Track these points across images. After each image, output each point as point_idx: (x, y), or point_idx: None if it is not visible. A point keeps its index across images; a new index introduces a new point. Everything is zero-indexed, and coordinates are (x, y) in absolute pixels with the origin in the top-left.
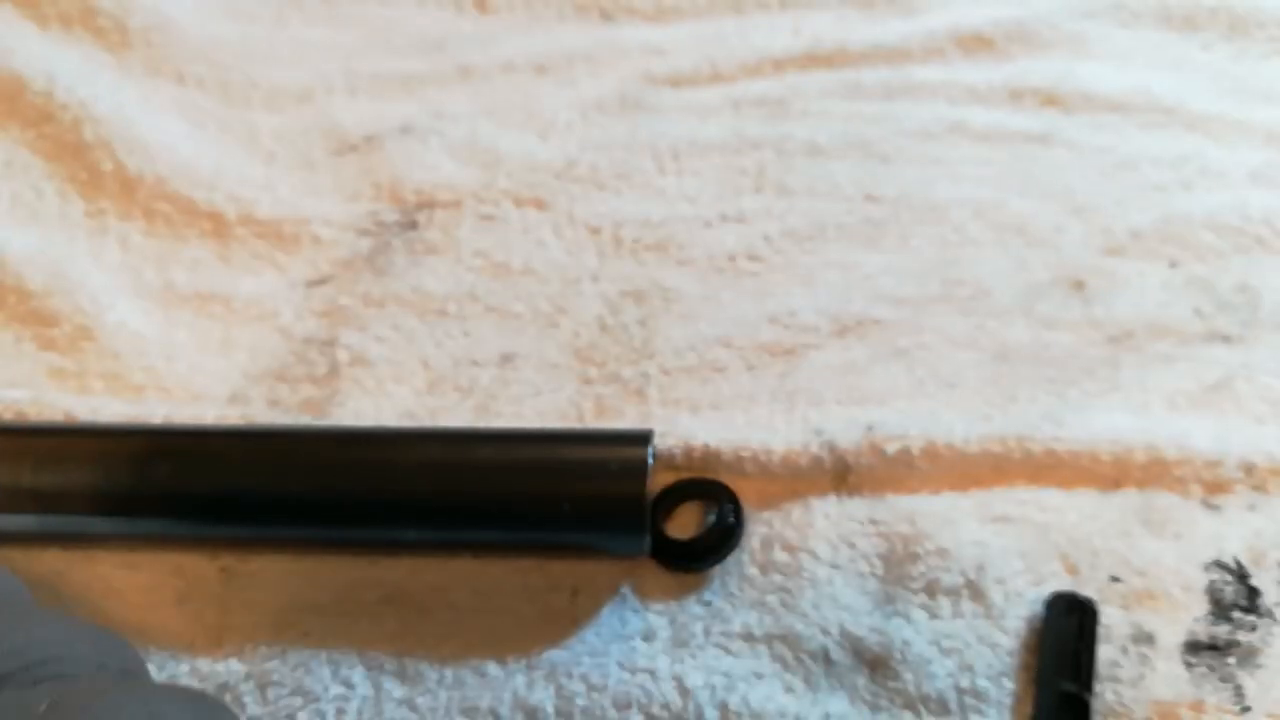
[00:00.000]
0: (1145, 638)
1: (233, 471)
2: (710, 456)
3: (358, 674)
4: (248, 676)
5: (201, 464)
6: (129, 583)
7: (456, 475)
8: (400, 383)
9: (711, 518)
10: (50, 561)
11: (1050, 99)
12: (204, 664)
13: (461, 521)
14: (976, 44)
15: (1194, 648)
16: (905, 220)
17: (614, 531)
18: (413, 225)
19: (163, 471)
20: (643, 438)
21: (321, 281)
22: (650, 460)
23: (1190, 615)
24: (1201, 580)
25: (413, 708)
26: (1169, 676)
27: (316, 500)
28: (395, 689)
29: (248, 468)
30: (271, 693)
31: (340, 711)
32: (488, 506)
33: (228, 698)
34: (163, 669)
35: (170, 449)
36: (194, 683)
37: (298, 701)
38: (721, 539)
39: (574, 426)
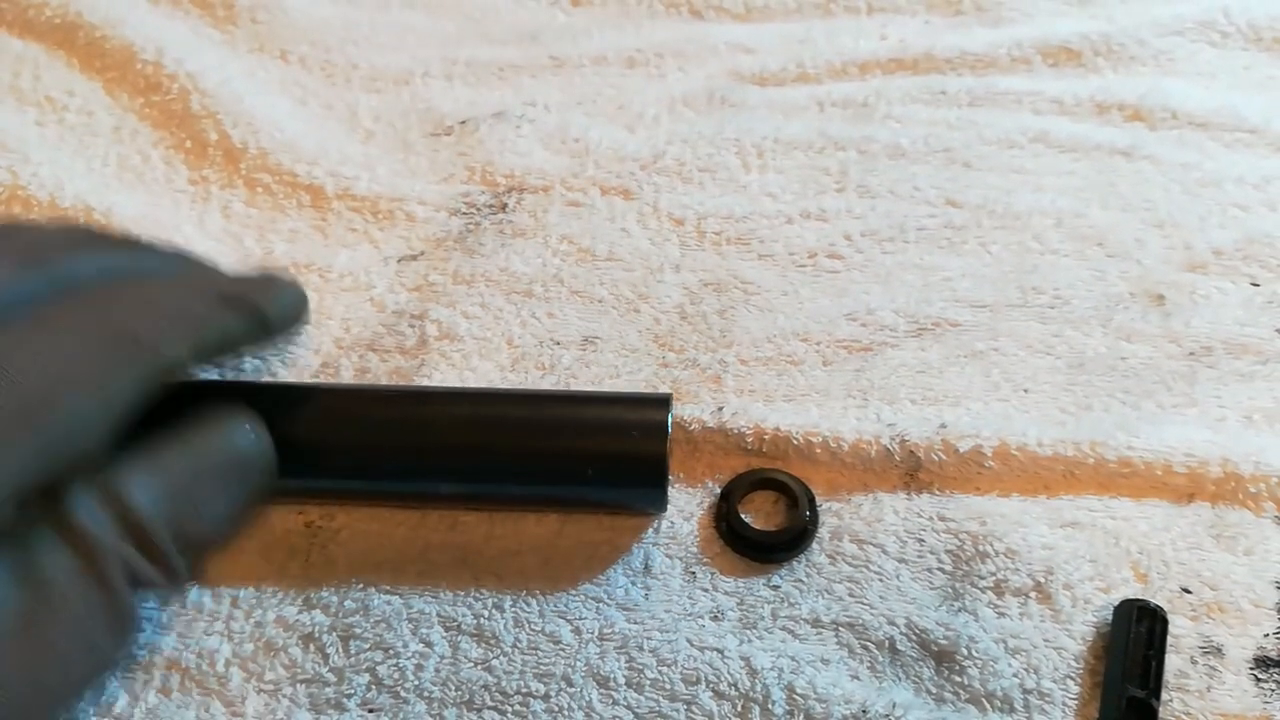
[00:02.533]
0: (1214, 650)
1: (285, 425)
2: (780, 440)
3: (436, 633)
4: (331, 628)
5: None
6: None
7: (490, 432)
8: (485, 358)
9: (788, 516)
10: None
11: (1135, 114)
12: (289, 612)
13: (493, 477)
14: (1063, 56)
15: (1263, 664)
16: (986, 226)
17: (637, 487)
18: (502, 208)
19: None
20: (662, 400)
21: (414, 258)
22: (669, 422)
23: (1260, 631)
24: (1273, 597)
25: (489, 669)
26: (1237, 690)
27: (359, 454)
28: (472, 649)
29: (302, 422)
30: (353, 645)
31: (419, 668)
32: (520, 463)
33: (311, 647)
34: (250, 615)
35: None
36: (279, 631)
37: (378, 656)
38: (795, 540)
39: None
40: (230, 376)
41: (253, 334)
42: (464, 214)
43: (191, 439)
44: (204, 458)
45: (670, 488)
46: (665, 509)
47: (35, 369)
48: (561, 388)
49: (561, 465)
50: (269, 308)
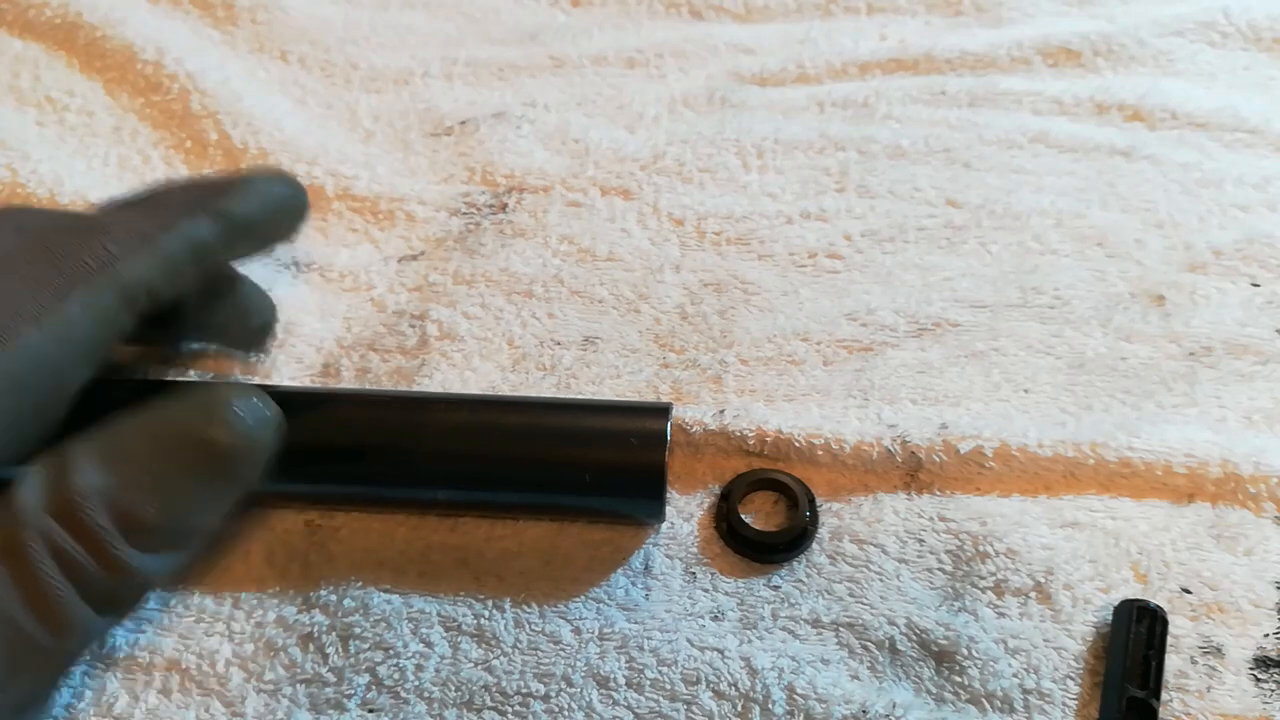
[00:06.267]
0: (1214, 650)
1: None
2: (782, 443)
3: (436, 633)
4: (331, 629)
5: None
6: (220, 534)
7: (488, 440)
8: (486, 358)
9: (788, 517)
10: None
11: (1135, 114)
12: (289, 613)
13: (490, 485)
14: (1063, 56)
15: (1263, 664)
16: (986, 226)
17: (634, 498)
18: (503, 208)
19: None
20: (662, 410)
21: (414, 257)
22: (669, 432)
23: (1260, 631)
24: (1273, 597)
25: (489, 669)
26: (1237, 690)
27: (356, 459)
28: (472, 650)
29: (299, 427)
30: (353, 645)
31: (419, 668)
32: (518, 472)
33: (310, 647)
34: (251, 615)
35: None
36: (279, 632)
37: (378, 656)
38: (796, 540)
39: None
40: (232, 377)
41: (227, 237)
42: (464, 214)
43: (162, 418)
44: (170, 440)
45: (671, 489)
46: (663, 519)
47: None
48: (563, 388)
49: (559, 474)
50: (236, 206)
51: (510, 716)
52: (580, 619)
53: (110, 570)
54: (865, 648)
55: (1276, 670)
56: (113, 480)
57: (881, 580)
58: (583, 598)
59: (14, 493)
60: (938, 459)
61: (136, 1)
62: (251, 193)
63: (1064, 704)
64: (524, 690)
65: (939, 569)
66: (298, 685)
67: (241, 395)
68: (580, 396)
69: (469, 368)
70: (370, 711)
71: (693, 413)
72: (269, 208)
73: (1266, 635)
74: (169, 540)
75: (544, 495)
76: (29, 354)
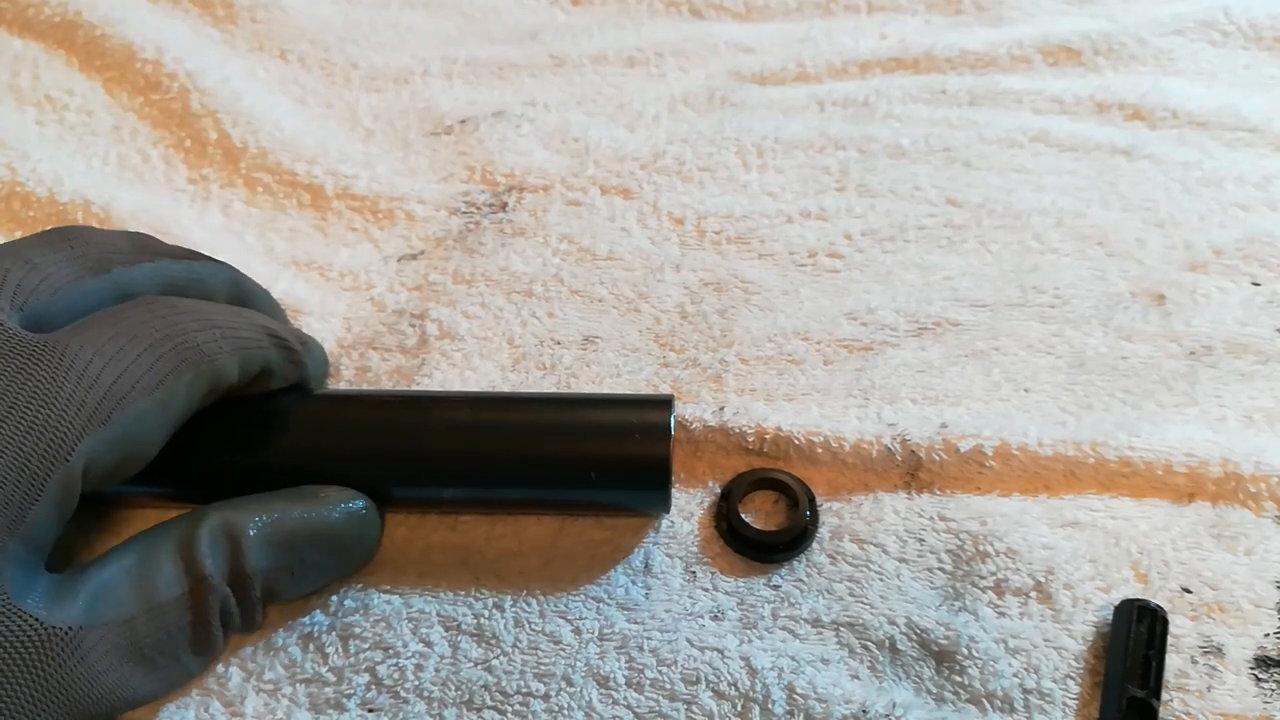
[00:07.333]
0: (1214, 650)
1: (286, 431)
2: (782, 440)
3: (436, 633)
4: (330, 628)
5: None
6: None
7: (492, 438)
8: (486, 358)
9: (788, 516)
10: (152, 517)
11: (1136, 113)
12: (289, 612)
13: (496, 482)
14: (1063, 55)
15: (1264, 663)
16: (986, 225)
17: (640, 488)
18: (502, 207)
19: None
20: (664, 401)
21: (414, 257)
22: (672, 423)
23: (1260, 631)
24: (1273, 597)
25: (489, 669)
26: (1237, 690)
27: (360, 461)
28: (472, 650)
29: (303, 429)
30: (353, 645)
31: (419, 668)
32: (524, 468)
33: (310, 647)
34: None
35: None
36: (279, 631)
37: (378, 655)
38: (796, 539)
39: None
40: None
41: (286, 374)
42: (464, 213)
43: (316, 514)
44: (320, 536)
45: (672, 488)
46: (669, 510)
47: (108, 372)
48: (563, 388)
49: (565, 469)
50: (306, 356)
51: (510, 716)
52: (580, 618)
53: (246, 630)
54: (865, 647)
55: (1277, 670)
56: (272, 565)
57: (881, 580)
58: (583, 597)
59: (200, 558)
60: (938, 458)
61: (136, 0)
62: (314, 350)
63: (1064, 704)
64: (524, 690)
65: (939, 568)
66: (297, 685)
67: (367, 502)
68: (582, 392)
69: (469, 367)
70: (370, 711)
71: (692, 410)
72: (322, 367)
73: (1267, 635)
74: (275, 601)
75: (549, 491)
76: (141, 417)
